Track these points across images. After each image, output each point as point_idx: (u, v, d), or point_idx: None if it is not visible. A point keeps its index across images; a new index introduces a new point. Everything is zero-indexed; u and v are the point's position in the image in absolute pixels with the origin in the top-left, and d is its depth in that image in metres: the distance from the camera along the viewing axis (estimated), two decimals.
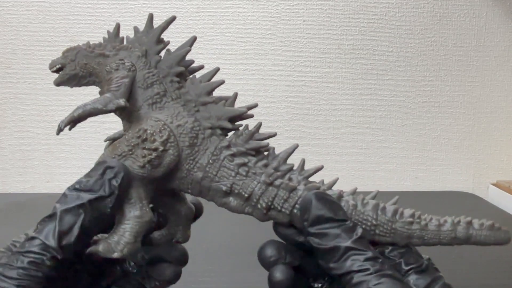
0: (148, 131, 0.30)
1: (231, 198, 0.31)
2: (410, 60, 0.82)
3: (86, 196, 0.27)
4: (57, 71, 0.35)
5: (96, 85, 0.35)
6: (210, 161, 0.31)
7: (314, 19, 0.80)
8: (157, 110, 0.32)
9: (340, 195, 0.32)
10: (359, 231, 0.28)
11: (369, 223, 0.31)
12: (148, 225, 0.29)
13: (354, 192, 0.32)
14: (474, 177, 0.86)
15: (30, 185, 0.84)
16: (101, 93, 0.34)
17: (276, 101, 0.82)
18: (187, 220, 0.35)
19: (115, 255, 0.28)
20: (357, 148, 0.84)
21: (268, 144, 0.32)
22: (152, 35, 0.34)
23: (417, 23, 0.81)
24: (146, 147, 0.30)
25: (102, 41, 0.35)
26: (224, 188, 0.31)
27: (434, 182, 0.86)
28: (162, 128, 0.31)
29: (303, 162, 0.33)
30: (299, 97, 0.82)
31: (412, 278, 0.30)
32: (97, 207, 0.27)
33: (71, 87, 0.36)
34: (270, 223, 0.34)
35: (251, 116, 0.33)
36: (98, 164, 0.29)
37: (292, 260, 0.31)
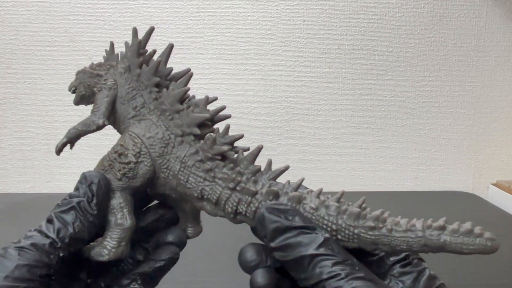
0: (123, 145, 0.33)
1: (204, 203, 0.32)
2: (410, 60, 0.82)
3: (75, 200, 0.30)
4: (74, 92, 0.39)
5: None
6: (181, 168, 0.32)
7: (314, 19, 0.80)
8: (136, 123, 0.34)
9: (300, 199, 0.29)
10: (322, 234, 0.27)
11: (329, 229, 0.28)
12: (130, 230, 0.32)
13: (319, 194, 0.30)
14: (474, 177, 0.86)
15: (30, 185, 0.84)
16: None
17: (276, 101, 0.82)
18: (194, 216, 0.35)
19: (102, 258, 0.31)
20: (357, 148, 0.84)
21: (229, 148, 0.32)
22: (133, 50, 0.35)
23: (417, 23, 0.81)
24: (121, 161, 0.33)
25: (107, 47, 0.37)
26: (195, 194, 0.32)
27: (434, 182, 0.86)
28: (135, 142, 0.33)
29: (269, 163, 0.32)
30: (299, 97, 0.82)
31: (396, 272, 0.28)
32: (85, 210, 0.30)
33: (86, 105, 0.39)
34: None
35: (229, 116, 0.34)
36: (81, 175, 0.32)
37: (274, 262, 0.29)
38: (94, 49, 0.78)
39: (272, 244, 0.27)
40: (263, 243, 0.30)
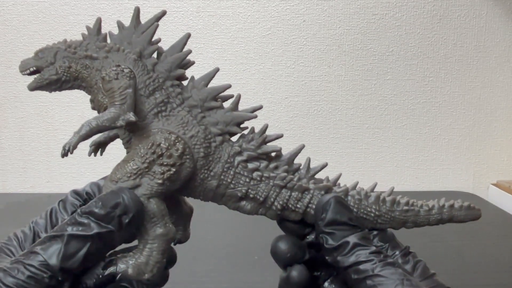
0: (163, 145, 0.29)
1: (245, 202, 0.32)
2: (410, 60, 0.82)
3: (95, 228, 0.27)
4: (31, 74, 0.33)
5: (82, 89, 0.33)
6: (225, 169, 0.31)
7: (314, 19, 0.80)
8: (163, 119, 0.31)
9: (347, 191, 0.34)
10: (366, 233, 0.31)
11: (372, 214, 0.33)
12: (172, 240, 0.30)
13: (355, 186, 0.35)
14: (474, 177, 0.86)
15: (30, 185, 0.84)
16: (95, 101, 0.32)
17: (276, 101, 0.82)
18: (186, 221, 0.35)
19: (146, 276, 0.28)
20: (357, 148, 0.84)
21: (281, 148, 0.33)
22: (145, 35, 0.32)
23: (417, 23, 0.81)
24: (164, 162, 0.29)
25: (81, 38, 0.33)
26: (239, 194, 0.32)
27: (434, 182, 0.86)
28: (176, 141, 0.30)
29: (308, 161, 0.34)
30: (299, 97, 0.82)
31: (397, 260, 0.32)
32: (104, 239, 0.27)
33: (50, 91, 0.34)
34: (269, 223, 0.34)
35: (255, 117, 0.33)
36: (113, 193, 0.28)
37: (306, 256, 0.32)
38: None
39: (325, 229, 0.30)
40: (293, 237, 0.33)
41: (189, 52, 0.32)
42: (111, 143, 0.36)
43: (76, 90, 0.35)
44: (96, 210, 0.27)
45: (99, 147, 0.36)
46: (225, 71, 0.79)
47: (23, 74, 0.33)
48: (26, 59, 0.33)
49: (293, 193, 0.32)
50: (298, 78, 0.82)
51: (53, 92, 0.34)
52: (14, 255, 0.29)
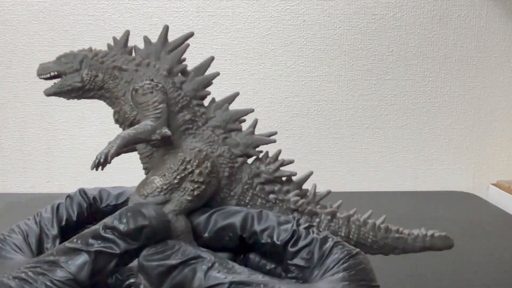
0: (193, 162, 0.30)
1: None
2: (410, 60, 0.82)
3: (121, 244, 0.26)
4: (50, 78, 0.32)
5: (103, 100, 0.33)
6: (244, 189, 0.32)
7: (314, 19, 0.80)
8: (190, 136, 0.31)
9: (349, 217, 0.34)
10: (207, 259, 0.27)
11: (369, 240, 0.35)
12: None
13: (354, 213, 0.35)
14: (474, 177, 0.86)
15: (30, 185, 0.84)
16: (121, 112, 0.31)
17: (276, 101, 0.82)
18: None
19: None
20: (357, 148, 0.84)
21: (296, 173, 0.34)
22: (176, 53, 0.32)
23: (417, 23, 0.81)
24: (195, 179, 0.29)
25: (106, 47, 0.33)
26: None
27: (434, 182, 0.86)
28: (206, 159, 0.30)
29: (315, 187, 0.35)
30: (299, 97, 0.82)
31: (289, 254, 0.28)
32: (129, 254, 0.27)
33: (68, 99, 0.33)
34: None
35: (274, 141, 0.34)
36: (139, 211, 0.27)
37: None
38: None
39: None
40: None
41: (217, 74, 0.33)
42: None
43: None
44: (121, 228, 0.26)
45: None
46: (225, 71, 0.79)
47: (41, 78, 0.32)
48: (47, 62, 0.32)
49: (303, 217, 0.33)
50: (298, 78, 0.82)
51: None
52: (21, 250, 0.29)
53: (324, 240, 0.28)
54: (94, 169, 0.27)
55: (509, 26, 0.82)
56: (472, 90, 0.83)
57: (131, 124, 0.31)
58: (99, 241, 0.26)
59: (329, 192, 0.35)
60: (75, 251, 0.26)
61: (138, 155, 0.33)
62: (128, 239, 0.26)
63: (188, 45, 0.33)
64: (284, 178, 0.34)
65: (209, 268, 0.26)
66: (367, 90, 0.82)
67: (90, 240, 0.26)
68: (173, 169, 0.29)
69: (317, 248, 0.28)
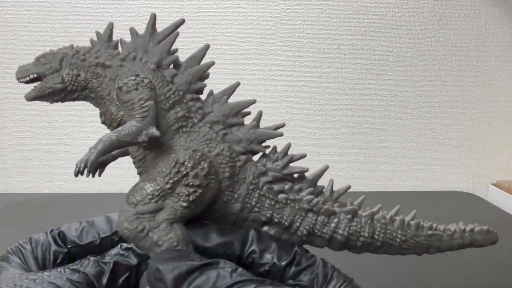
0: (187, 164, 0.27)
1: (268, 228, 0.29)
2: (410, 60, 0.82)
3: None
4: (30, 81, 0.29)
5: (88, 101, 0.30)
6: (249, 190, 0.28)
7: (314, 19, 0.80)
8: (185, 135, 0.28)
9: (372, 215, 0.31)
10: (225, 264, 0.26)
11: (398, 240, 0.32)
12: None
13: (379, 210, 0.32)
14: (474, 177, 0.86)
15: (30, 185, 0.84)
16: (107, 113, 0.29)
17: (276, 101, 0.82)
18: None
19: None
20: (357, 148, 0.84)
21: (307, 168, 0.30)
22: (164, 43, 0.29)
23: (417, 23, 0.81)
24: (190, 183, 0.26)
25: (89, 44, 0.30)
26: (263, 218, 0.29)
27: (434, 182, 0.86)
28: (201, 160, 0.27)
29: (332, 183, 0.32)
30: (299, 97, 0.82)
31: (292, 273, 0.28)
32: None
33: (51, 102, 0.30)
34: None
35: (281, 135, 0.30)
36: (157, 280, 0.25)
37: None
38: None
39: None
40: None
41: (212, 64, 0.30)
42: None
43: None
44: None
45: (98, 167, 0.33)
46: (225, 71, 0.79)
47: (20, 82, 0.29)
48: (25, 65, 0.29)
49: (319, 217, 0.30)
50: (298, 78, 0.82)
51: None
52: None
53: (325, 263, 0.28)
54: (79, 175, 0.26)
55: (509, 26, 0.82)
56: (472, 90, 0.83)
57: (119, 126, 0.28)
58: None
59: (348, 188, 0.32)
60: (97, 264, 0.28)
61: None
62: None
63: (178, 34, 0.29)
64: (295, 175, 0.31)
65: (233, 271, 0.25)
66: (367, 90, 0.82)
67: (95, 256, 0.29)
68: (165, 173, 0.26)
69: (321, 268, 0.28)
